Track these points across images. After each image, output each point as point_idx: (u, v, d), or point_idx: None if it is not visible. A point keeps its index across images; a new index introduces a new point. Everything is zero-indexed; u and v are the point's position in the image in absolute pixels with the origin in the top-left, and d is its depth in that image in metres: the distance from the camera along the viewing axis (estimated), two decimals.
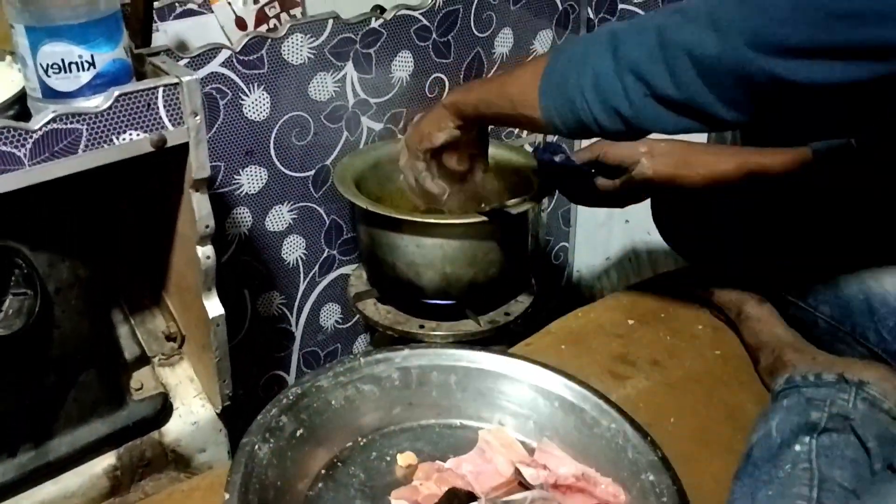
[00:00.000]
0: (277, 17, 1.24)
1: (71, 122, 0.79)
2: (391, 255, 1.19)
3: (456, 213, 1.14)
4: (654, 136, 1.12)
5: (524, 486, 0.84)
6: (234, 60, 1.15)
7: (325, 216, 1.36)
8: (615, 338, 1.14)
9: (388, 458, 0.88)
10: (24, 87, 0.83)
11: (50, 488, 0.95)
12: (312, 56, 1.22)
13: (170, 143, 0.86)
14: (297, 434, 0.84)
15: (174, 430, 1.04)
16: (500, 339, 1.26)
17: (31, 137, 0.77)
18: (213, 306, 0.97)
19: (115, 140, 0.82)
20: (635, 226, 1.62)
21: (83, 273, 0.92)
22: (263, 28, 1.23)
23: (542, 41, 1.49)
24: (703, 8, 0.71)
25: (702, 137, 1.42)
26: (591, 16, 1.53)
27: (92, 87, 0.82)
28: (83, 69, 0.81)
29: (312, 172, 1.31)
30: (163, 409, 1.02)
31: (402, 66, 1.33)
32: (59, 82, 0.81)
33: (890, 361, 0.96)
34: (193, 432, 1.05)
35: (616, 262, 1.72)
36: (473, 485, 0.83)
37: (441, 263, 1.17)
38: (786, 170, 1.02)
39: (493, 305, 1.28)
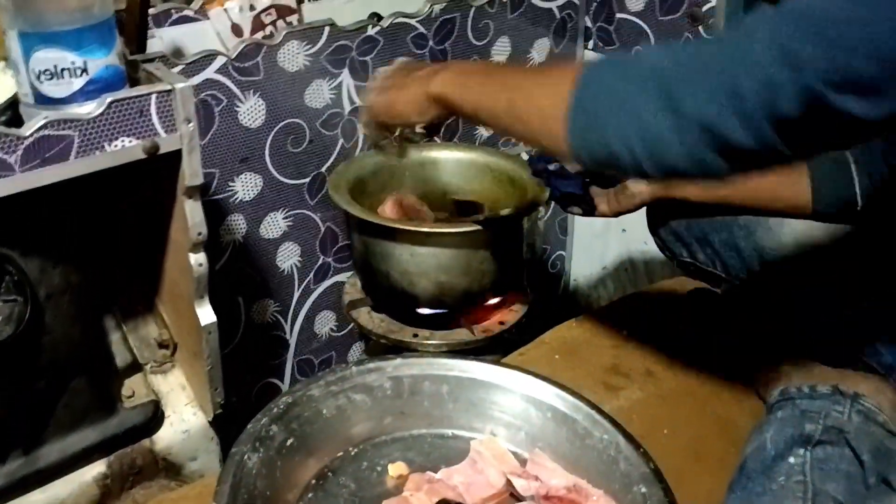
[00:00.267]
0: (274, 24, 1.24)
1: (62, 129, 0.79)
2: (385, 263, 1.18)
3: (450, 223, 1.13)
4: None
5: (515, 497, 0.84)
6: (230, 67, 1.15)
7: (320, 224, 1.35)
8: (609, 348, 1.14)
9: (379, 469, 0.87)
10: (16, 93, 0.83)
11: (39, 496, 0.94)
12: (308, 63, 1.22)
13: (162, 150, 0.85)
14: (288, 443, 0.83)
15: (165, 437, 1.04)
16: (495, 349, 1.26)
17: (22, 144, 0.77)
18: (206, 314, 0.96)
19: (106, 147, 0.82)
20: (632, 235, 1.62)
21: (75, 279, 0.92)
22: (259, 35, 1.22)
23: (540, 49, 1.49)
24: (772, 43, 0.62)
25: None
26: (589, 24, 1.53)
27: (84, 94, 0.82)
28: (76, 75, 0.81)
29: (308, 180, 1.30)
30: (154, 416, 1.02)
31: None
32: (52, 88, 0.81)
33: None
34: (185, 440, 1.04)
35: (612, 272, 1.72)
36: (464, 496, 0.83)
37: (435, 272, 1.16)
38: (780, 184, 1.02)
39: (487, 315, 1.27)
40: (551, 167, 1.16)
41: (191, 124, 0.85)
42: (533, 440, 0.90)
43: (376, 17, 1.29)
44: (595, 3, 1.51)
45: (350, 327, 1.48)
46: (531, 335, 1.20)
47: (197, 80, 1.13)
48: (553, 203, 1.65)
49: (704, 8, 1.35)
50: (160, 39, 1.15)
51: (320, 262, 1.38)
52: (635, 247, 1.63)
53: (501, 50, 1.43)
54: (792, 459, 0.88)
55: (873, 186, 1.00)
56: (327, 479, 0.85)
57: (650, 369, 1.09)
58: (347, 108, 1.29)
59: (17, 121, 0.82)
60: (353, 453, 0.89)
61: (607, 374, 1.08)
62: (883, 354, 0.97)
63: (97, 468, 0.99)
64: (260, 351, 1.38)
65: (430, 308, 1.22)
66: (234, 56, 1.15)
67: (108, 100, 0.81)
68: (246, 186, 1.24)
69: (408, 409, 0.92)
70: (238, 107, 1.18)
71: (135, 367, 1.06)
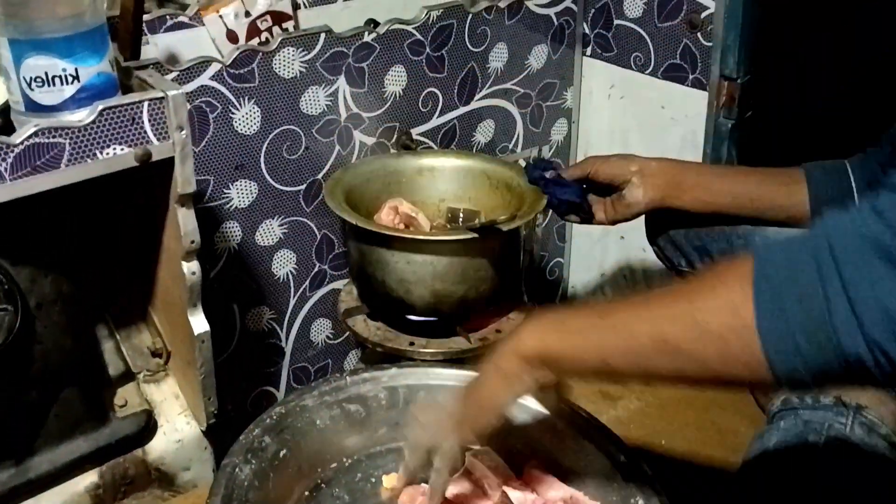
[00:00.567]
0: (269, 30, 1.23)
1: (53, 137, 0.78)
2: (381, 271, 1.17)
3: (446, 231, 1.12)
4: (645, 154, 1.12)
5: None
6: (225, 74, 1.14)
7: (316, 231, 1.34)
8: None
9: (374, 480, 0.86)
10: (7, 101, 0.82)
11: None
12: (304, 70, 1.21)
13: (155, 158, 0.85)
14: (281, 455, 0.83)
15: (158, 447, 1.03)
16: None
17: (12, 152, 0.76)
18: (199, 322, 0.95)
19: (98, 154, 0.81)
20: (630, 242, 1.61)
21: (66, 289, 0.91)
22: (255, 41, 1.22)
23: (537, 56, 1.48)
24: None
25: (697, 156, 1.41)
26: (587, 31, 1.53)
27: (76, 101, 0.81)
28: (67, 83, 0.80)
29: (303, 187, 1.30)
30: (147, 426, 1.01)
31: (396, 80, 1.32)
32: (43, 96, 0.80)
33: None
34: (178, 450, 1.03)
35: (611, 279, 1.71)
36: None
37: (431, 280, 1.16)
38: (778, 195, 1.01)
39: (484, 322, 1.26)
40: (548, 174, 1.15)
41: (183, 132, 0.85)
42: (529, 451, 0.88)
43: (373, 24, 1.29)
44: (593, 10, 1.50)
45: (346, 335, 1.47)
46: None
47: (192, 86, 1.12)
48: (551, 210, 1.65)
49: (702, 14, 1.34)
50: (155, 46, 1.14)
51: (316, 269, 1.37)
52: (634, 254, 1.63)
53: (499, 56, 1.43)
54: (794, 465, 0.87)
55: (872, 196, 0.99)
56: (321, 491, 0.84)
57: None
58: (344, 114, 1.29)
59: (8, 128, 0.81)
60: (347, 464, 0.88)
61: (605, 384, 1.07)
62: None
63: (89, 478, 0.98)
64: (255, 359, 1.37)
65: (427, 316, 1.21)
66: (229, 62, 1.14)
67: (100, 107, 0.80)
68: (241, 193, 1.23)
69: (403, 419, 0.91)
70: (233, 113, 1.17)
71: (128, 375, 1.05)
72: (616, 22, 1.48)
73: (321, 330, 1.43)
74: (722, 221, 1.09)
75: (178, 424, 1.04)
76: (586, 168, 1.13)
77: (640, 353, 0.63)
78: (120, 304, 1.12)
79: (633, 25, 1.46)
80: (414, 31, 1.31)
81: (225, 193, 1.22)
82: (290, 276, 1.35)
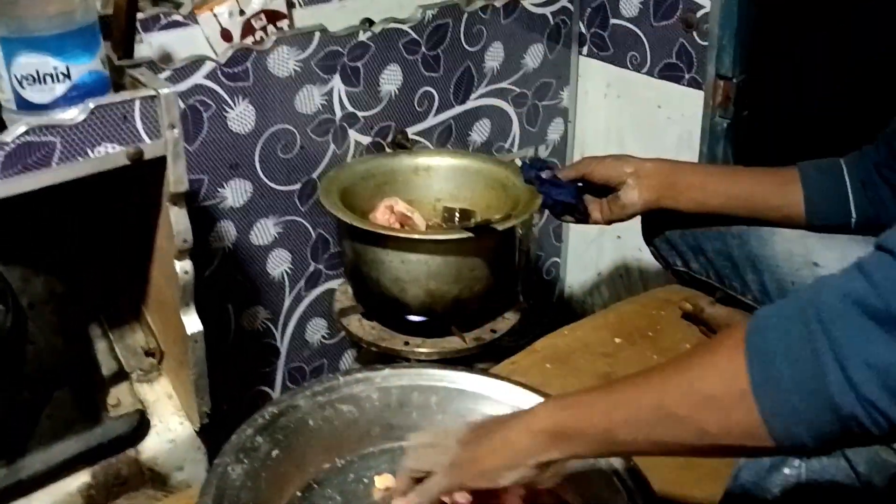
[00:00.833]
0: (264, 29, 1.23)
1: (44, 135, 0.78)
2: (376, 270, 1.17)
3: (441, 230, 1.12)
4: (640, 155, 1.12)
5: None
6: (219, 73, 1.14)
7: (311, 230, 1.34)
8: (601, 357, 1.12)
9: (366, 481, 0.86)
10: None
11: None
12: (299, 69, 1.21)
13: (147, 157, 0.84)
14: (273, 455, 0.82)
15: (151, 447, 1.02)
16: (487, 357, 1.25)
17: (3, 150, 0.76)
18: (192, 322, 0.95)
19: (89, 153, 0.81)
20: (627, 242, 1.60)
21: (58, 288, 0.90)
22: (249, 40, 1.21)
23: (533, 56, 1.48)
24: None
25: (693, 155, 1.41)
26: (583, 30, 1.52)
27: (67, 99, 0.80)
28: (58, 81, 0.80)
29: (298, 186, 1.29)
30: (140, 426, 1.01)
31: (391, 79, 1.32)
32: (34, 94, 0.80)
33: None
34: (171, 450, 1.03)
35: (607, 278, 1.71)
36: None
37: (426, 279, 1.15)
38: (773, 194, 1.01)
39: (479, 322, 1.26)
40: (544, 175, 1.15)
41: (175, 130, 0.84)
42: None
43: (368, 23, 1.29)
44: (589, 9, 1.50)
45: (342, 335, 1.46)
46: (527, 342, 1.19)
47: (186, 85, 1.12)
48: (547, 210, 1.65)
49: (698, 14, 1.34)
50: (149, 45, 1.14)
51: (311, 268, 1.37)
52: (630, 253, 1.62)
53: (495, 56, 1.42)
54: (787, 471, 0.87)
55: (867, 196, 0.99)
56: (313, 492, 0.84)
57: None
58: (339, 113, 1.28)
59: (0, 126, 0.81)
60: (339, 465, 0.87)
61: (599, 383, 1.06)
62: None
63: (81, 478, 0.97)
64: (250, 359, 1.37)
65: (422, 315, 1.21)
66: (223, 61, 1.14)
67: (92, 105, 0.79)
68: (236, 193, 1.23)
69: (396, 420, 0.90)
70: (227, 112, 1.17)
71: (121, 375, 1.04)
72: (612, 21, 1.48)
73: (316, 330, 1.43)
74: (717, 221, 1.09)
75: (171, 424, 1.04)
76: (581, 169, 1.12)
77: (643, 424, 0.63)
78: (113, 304, 1.12)
79: (629, 25, 1.46)
80: (409, 31, 1.30)
81: (219, 193, 1.21)
82: (286, 276, 1.35)
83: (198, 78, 1.13)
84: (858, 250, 0.61)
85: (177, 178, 0.87)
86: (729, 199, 1.05)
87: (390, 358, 1.20)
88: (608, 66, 1.51)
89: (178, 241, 0.90)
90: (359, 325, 1.27)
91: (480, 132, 1.48)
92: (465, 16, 1.36)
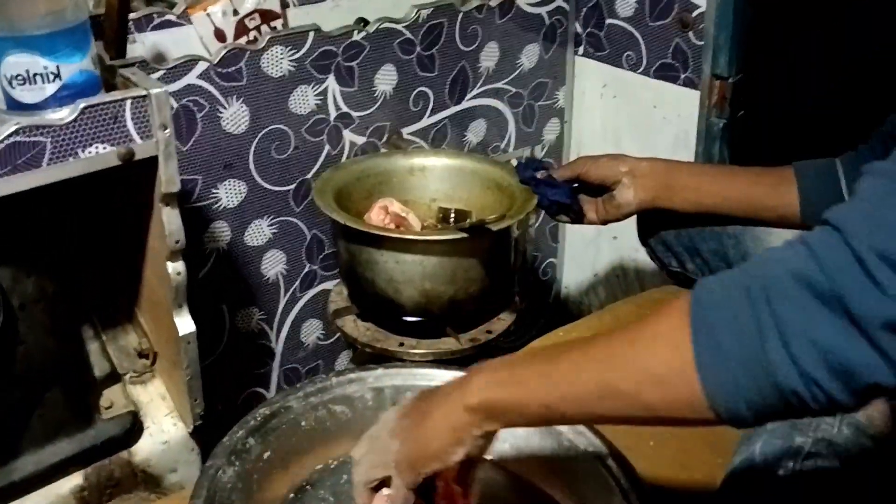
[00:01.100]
0: (258, 28, 1.22)
1: (34, 135, 0.77)
2: (370, 271, 1.17)
3: (436, 231, 1.12)
4: (636, 155, 1.11)
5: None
6: (212, 72, 1.14)
7: (306, 231, 1.34)
8: None
9: None
10: None
11: None
12: (293, 69, 1.21)
13: (138, 157, 0.84)
14: (265, 457, 0.82)
15: (144, 449, 1.02)
16: (483, 358, 1.24)
17: None
18: (184, 323, 0.95)
19: (80, 153, 0.80)
20: (623, 242, 1.60)
21: (50, 288, 0.90)
22: (243, 40, 1.21)
23: (529, 55, 1.47)
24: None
25: (689, 155, 1.41)
26: (579, 30, 1.52)
27: (57, 99, 0.80)
28: (48, 80, 0.79)
29: (293, 186, 1.29)
30: (132, 427, 1.00)
31: (386, 79, 1.32)
32: (24, 94, 0.80)
33: None
34: (164, 452, 1.03)
35: (604, 279, 1.70)
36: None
37: (420, 280, 1.15)
38: (768, 195, 1.01)
39: (474, 323, 1.25)
40: (539, 175, 1.14)
41: (167, 130, 0.84)
42: (517, 452, 0.88)
43: (363, 23, 1.28)
44: (585, 9, 1.50)
45: (337, 336, 1.46)
46: (523, 343, 1.18)
47: (179, 85, 1.11)
48: (543, 210, 1.64)
49: (694, 14, 1.34)
50: (142, 44, 1.13)
51: (306, 269, 1.37)
52: (627, 254, 1.62)
53: (490, 56, 1.42)
54: (781, 472, 0.86)
55: None
56: (306, 494, 0.84)
57: None
58: (333, 114, 1.28)
59: None
60: (332, 466, 0.87)
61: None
62: None
63: (74, 480, 0.97)
64: (245, 360, 1.36)
65: (417, 316, 1.20)
66: (216, 61, 1.13)
67: (82, 105, 0.79)
68: (230, 193, 1.23)
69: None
70: (221, 112, 1.16)
71: (113, 377, 1.04)
72: (608, 21, 1.47)
73: (312, 331, 1.43)
74: (713, 221, 1.08)
75: (164, 426, 1.04)
76: (577, 168, 1.12)
77: (585, 399, 0.62)
78: (106, 305, 1.11)
79: (624, 24, 1.45)
80: (404, 30, 1.30)
81: (213, 193, 1.21)
82: (280, 277, 1.34)
83: (191, 78, 1.12)
84: None
85: (168, 178, 0.86)
86: (724, 199, 1.04)
87: (385, 359, 1.20)
88: (604, 65, 1.51)
89: (171, 241, 0.90)
90: (354, 326, 1.26)
91: (476, 132, 1.47)
92: (460, 15, 1.35)
